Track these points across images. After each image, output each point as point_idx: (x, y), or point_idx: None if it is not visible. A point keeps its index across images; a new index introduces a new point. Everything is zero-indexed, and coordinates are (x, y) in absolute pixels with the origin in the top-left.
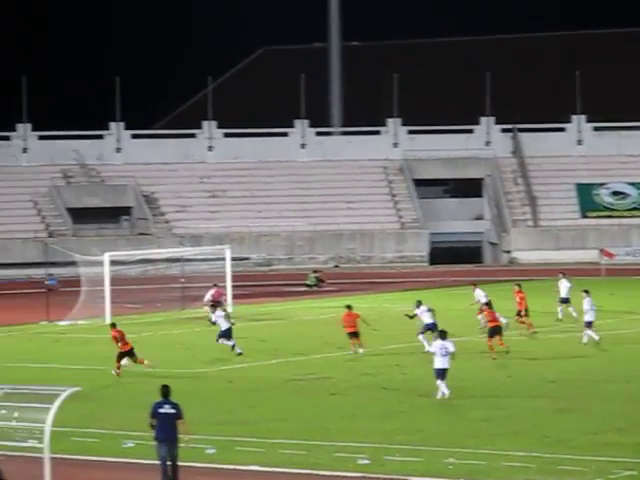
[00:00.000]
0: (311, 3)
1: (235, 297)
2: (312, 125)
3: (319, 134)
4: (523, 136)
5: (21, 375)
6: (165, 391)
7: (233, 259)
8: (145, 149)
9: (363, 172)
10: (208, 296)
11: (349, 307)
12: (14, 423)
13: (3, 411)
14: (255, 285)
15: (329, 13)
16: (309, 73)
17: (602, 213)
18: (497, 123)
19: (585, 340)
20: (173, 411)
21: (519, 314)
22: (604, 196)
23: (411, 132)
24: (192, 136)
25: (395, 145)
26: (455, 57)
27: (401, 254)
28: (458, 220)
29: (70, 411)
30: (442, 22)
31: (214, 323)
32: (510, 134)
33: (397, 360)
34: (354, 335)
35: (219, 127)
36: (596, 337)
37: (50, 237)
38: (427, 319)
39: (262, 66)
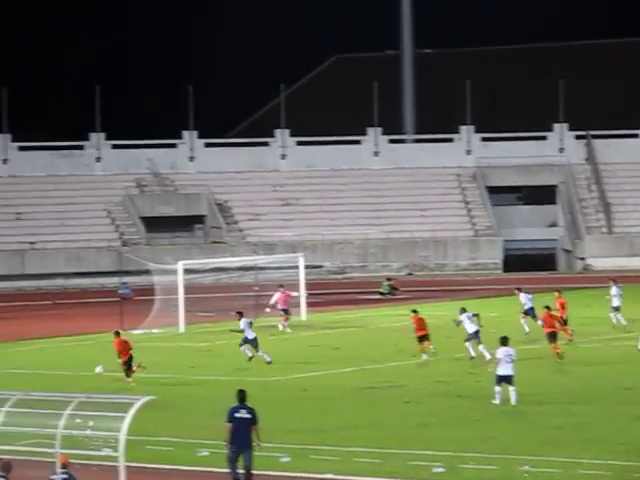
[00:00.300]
0: (383, 11)
1: (309, 305)
2: (385, 133)
3: (392, 142)
4: (597, 142)
5: (96, 384)
6: (241, 396)
7: (306, 267)
8: (218, 157)
9: (436, 179)
10: (273, 299)
11: (415, 311)
12: (89, 432)
13: (78, 420)
14: (328, 293)
15: (401, 21)
16: (382, 81)
17: None
18: (571, 130)
19: (617, 322)
20: (249, 416)
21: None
22: None
23: (484, 139)
24: (265, 144)
25: (468, 152)
26: (528, 63)
27: (475, 261)
28: (532, 227)
29: (144, 420)
30: (515, 29)
31: (241, 331)
32: (584, 141)
33: (471, 367)
34: (424, 338)
35: (292, 135)
36: (623, 322)
37: (124, 246)
38: (469, 327)
39: (335, 74)
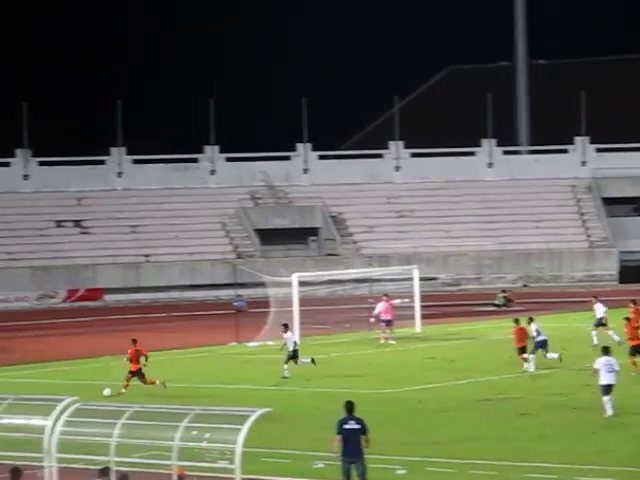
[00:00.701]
0: (497, 22)
1: (423, 317)
2: (499, 144)
3: (506, 153)
4: None
5: (211, 396)
6: (349, 407)
7: (421, 279)
8: (332, 170)
9: (551, 191)
10: (377, 309)
11: (517, 321)
12: (205, 444)
13: (194, 432)
14: (443, 305)
15: (515, 32)
16: (496, 92)
17: None
18: None
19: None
20: (358, 426)
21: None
22: None
23: (599, 150)
24: (379, 156)
25: (583, 163)
26: None
27: (590, 273)
28: None
29: (260, 432)
30: (629, 39)
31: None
32: None
33: (587, 379)
34: (524, 350)
35: (406, 147)
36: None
37: (238, 258)
38: (537, 337)
39: (448, 85)
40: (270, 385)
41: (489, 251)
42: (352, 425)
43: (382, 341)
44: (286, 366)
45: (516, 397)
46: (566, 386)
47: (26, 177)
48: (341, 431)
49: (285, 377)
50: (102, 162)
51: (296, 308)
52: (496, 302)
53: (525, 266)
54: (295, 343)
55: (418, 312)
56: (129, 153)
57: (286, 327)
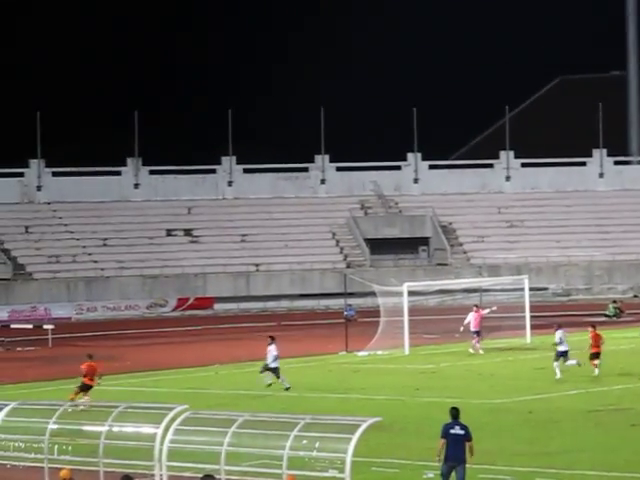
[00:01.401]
0: (609, 31)
1: (533, 327)
2: (610, 154)
3: (617, 163)
4: None
5: (321, 405)
6: (454, 413)
7: (531, 289)
8: (442, 179)
9: None
10: (467, 319)
11: (594, 327)
12: (315, 453)
13: (304, 441)
14: (553, 315)
15: (627, 41)
16: (607, 101)
17: None
18: None
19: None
20: (462, 432)
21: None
22: None
23: None
24: (490, 166)
25: None
26: None
27: None
28: None
29: (370, 441)
30: None
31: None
32: None
33: None
34: (596, 356)
35: (516, 157)
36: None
37: (348, 267)
38: (560, 346)
39: (560, 95)
40: (380, 395)
41: (600, 261)
42: (457, 430)
43: (471, 351)
44: (265, 373)
45: (627, 408)
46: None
47: (137, 186)
48: (446, 435)
49: (269, 384)
50: (213, 171)
51: (406, 317)
52: (607, 313)
53: (636, 276)
54: (276, 358)
55: (528, 322)
56: (239, 162)
57: (272, 339)
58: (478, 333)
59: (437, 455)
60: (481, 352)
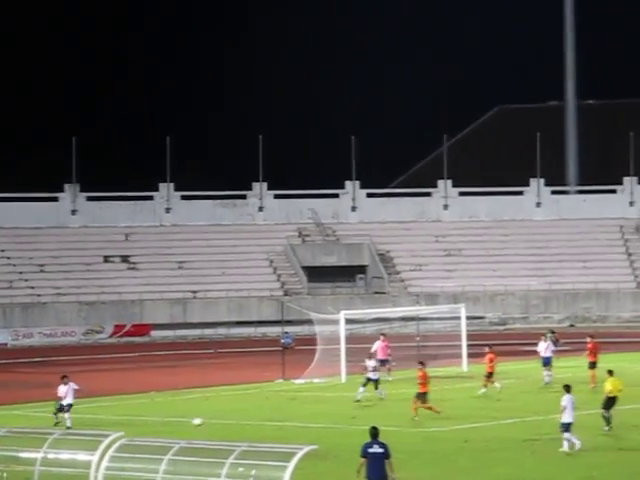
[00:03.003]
0: (547, 62)
1: (470, 356)
2: (548, 184)
3: (555, 193)
4: None
5: (258, 433)
6: (374, 432)
7: (468, 318)
8: (380, 208)
9: (599, 231)
10: (374, 347)
11: (592, 336)
12: None
13: (240, 469)
14: (490, 344)
15: (565, 72)
16: (545, 131)
17: None
18: None
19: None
20: (381, 450)
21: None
22: None
23: None
24: (427, 195)
25: (631, 204)
26: None
27: (637, 313)
28: None
29: (306, 469)
30: None
31: None
32: None
33: (635, 421)
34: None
35: (454, 186)
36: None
37: (286, 295)
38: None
39: (498, 124)
40: (316, 423)
41: (536, 290)
42: (376, 449)
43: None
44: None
45: (563, 437)
46: (614, 426)
47: (74, 212)
48: (365, 454)
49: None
50: (150, 198)
51: (343, 346)
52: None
53: (572, 306)
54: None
55: (465, 351)
56: (177, 189)
57: (63, 378)
58: (383, 362)
59: (357, 473)
60: (390, 378)
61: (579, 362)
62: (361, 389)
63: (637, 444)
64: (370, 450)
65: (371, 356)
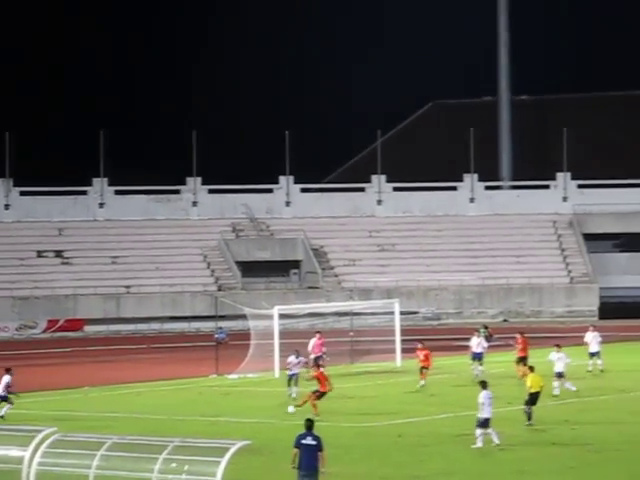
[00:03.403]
0: (481, 57)
1: (403, 351)
2: (481, 179)
3: (488, 188)
4: None
5: (191, 428)
6: (308, 424)
7: (402, 313)
8: (314, 203)
9: (532, 226)
10: (310, 345)
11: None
12: (184, 476)
13: (173, 464)
14: (424, 339)
15: (498, 67)
16: (478, 127)
17: None
18: None
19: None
20: (314, 443)
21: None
22: None
23: (581, 186)
24: (361, 190)
25: (564, 199)
26: (626, 110)
27: (570, 308)
28: (629, 275)
29: (239, 464)
30: (611, 75)
31: None
32: None
33: (566, 415)
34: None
35: (388, 181)
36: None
37: (219, 290)
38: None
39: (432, 120)
40: (250, 418)
41: (470, 285)
42: (309, 441)
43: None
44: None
45: (496, 432)
46: (545, 422)
47: (7, 207)
48: (298, 445)
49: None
50: (84, 192)
51: (276, 341)
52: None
53: (506, 301)
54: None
55: (398, 346)
56: (111, 184)
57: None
58: (317, 359)
59: (292, 462)
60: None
61: (511, 357)
62: (289, 388)
63: (568, 439)
64: (303, 441)
65: (299, 353)
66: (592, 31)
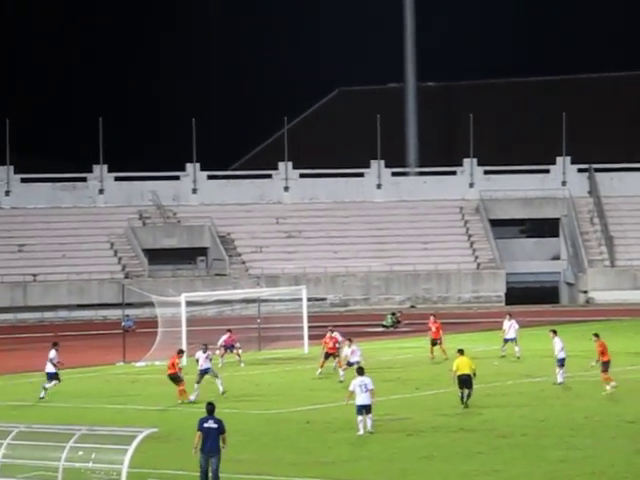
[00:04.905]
0: (386, 44)
1: (310, 338)
2: (388, 165)
3: (395, 174)
4: (599, 176)
5: (98, 416)
6: (210, 408)
7: (309, 300)
8: (221, 190)
9: (439, 212)
10: (220, 341)
11: (597, 335)
12: (91, 464)
13: (80, 452)
14: (331, 326)
15: (404, 54)
16: (385, 113)
17: None
18: (573, 163)
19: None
20: (215, 426)
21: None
22: None
23: (487, 172)
24: (268, 177)
25: (471, 185)
26: (531, 97)
27: (477, 294)
28: (535, 260)
29: (147, 452)
30: (517, 62)
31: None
32: (586, 174)
33: (474, 401)
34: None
35: (295, 168)
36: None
37: (126, 278)
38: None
39: (338, 106)
40: (157, 405)
41: (377, 272)
42: (211, 424)
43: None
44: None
45: (404, 418)
46: (453, 407)
47: None
48: (201, 429)
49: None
50: None
51: (184, 328)
52: (384, 323)
53: (413, 287)
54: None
55: (306, 333)
56: (17, 172)
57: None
58: (231, 348)
59: (194, 447)
60: (242, 365)
61: (420, 343)
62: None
63: (476, 424)
64: (205, 425)
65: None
66: (496, 17)
